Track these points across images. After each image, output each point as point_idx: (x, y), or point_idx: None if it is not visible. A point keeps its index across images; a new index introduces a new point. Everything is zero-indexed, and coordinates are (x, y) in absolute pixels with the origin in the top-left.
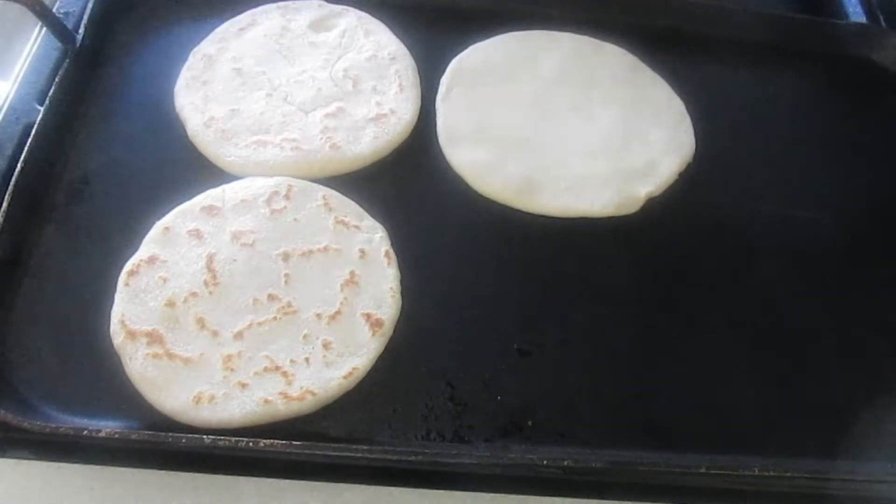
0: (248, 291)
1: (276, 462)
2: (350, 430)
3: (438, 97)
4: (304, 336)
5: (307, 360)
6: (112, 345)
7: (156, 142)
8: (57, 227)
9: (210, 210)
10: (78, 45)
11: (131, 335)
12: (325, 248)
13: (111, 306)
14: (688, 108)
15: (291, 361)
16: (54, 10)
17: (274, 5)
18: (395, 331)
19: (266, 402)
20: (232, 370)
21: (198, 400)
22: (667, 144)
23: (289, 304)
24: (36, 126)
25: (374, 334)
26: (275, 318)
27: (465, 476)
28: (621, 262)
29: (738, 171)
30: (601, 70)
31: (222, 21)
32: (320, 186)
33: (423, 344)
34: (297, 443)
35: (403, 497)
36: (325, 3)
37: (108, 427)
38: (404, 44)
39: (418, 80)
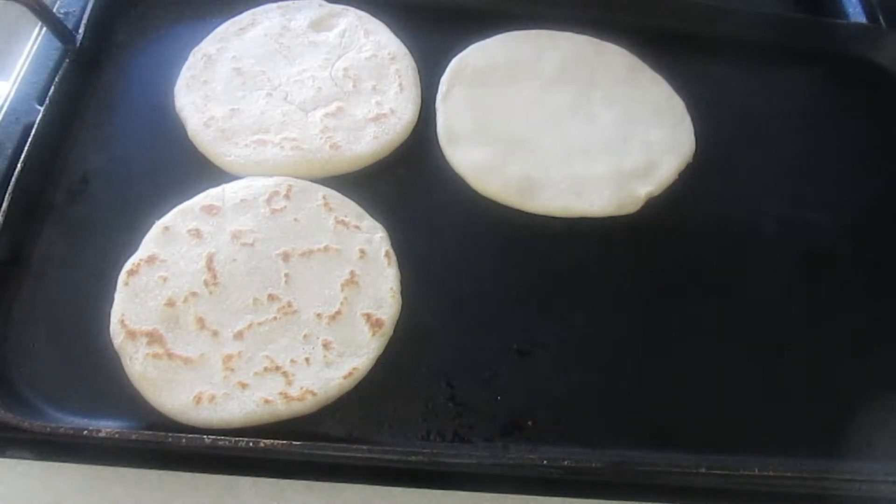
0: (248, 291)
1: (276, 462)
2: (350, 430)
3: (438, 97)
4: (305, 336)
5: (307, 360)
6: (112, 345)
7: (156, 141)
8: (57, 227)
9: (210, 209)
10: (78, 45)
11: (131, 335)
12: (326, 248)
13: (111, 306)
14: (688, 108)
15: (291, 361)
16: (54, 10)
17: (274, 5)
18: (395, 331)
19: (266, 402)
20: (232, 370)
21: (198, 400)
22: (667, 144)
23: (289, 304)
24: (36, 126)
25: (374, 334)
26: (275, 318)
27: (465, 476)
28: (621, 262)
29: (738, 171)
30: (601, 70)
31: (222, 21)
32: (320, 186)
33: (423, 344)
34: (297, 443)
35: (403, 497)
36: (326, 3)
37: (108, 427)
38: (404, 43)
39: (418, 80)
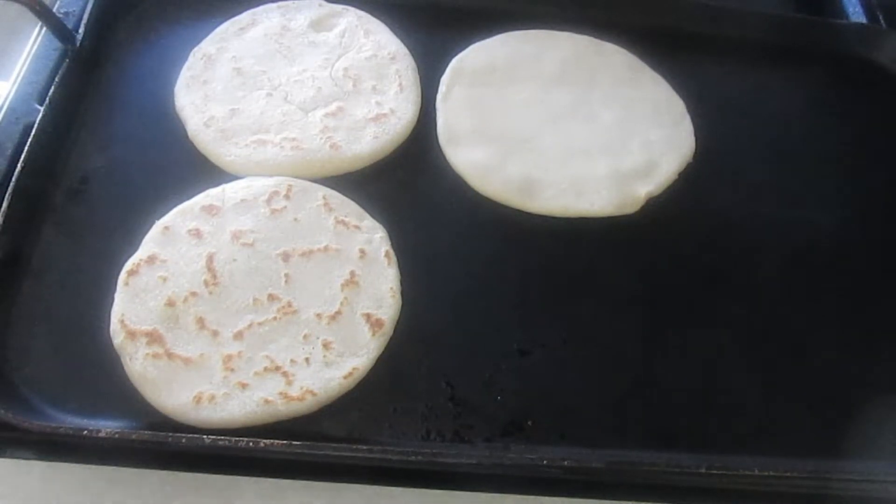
0: (248, 291)
1: (276, 462)
2: (350, 430)
3: (439, 97)
4: (305, 336)
5: (307, 360)
6: (112, 345)
7: (156, 141)
8: (57, 227)
9: (210, 209)
10: (78, 45)
11: (131, 335)
12: (326, 248)
13: (111, 306)
14: (688, 108)
15: (291, 361)
16: (54, 10)
17: (274, 5)
18: (395, 331)
19: (266, 402)
20: (232, 370)
21: (198, 400)
22: (667, 144)
23: (289, 304)
24: (36, 126)
25: (374, 334)
26: (275, 318)
27: (465, 476)
28: (621, 262)
29: (738, 171)
30: (601, 70)
31: (222, 20)
32: (320, 186)
33: (423, 344)
34: (297, 443)
35: (403, 497)
36: (326, 3)
37: (108, 427)
38: (404, 43)
39: (418, 80)
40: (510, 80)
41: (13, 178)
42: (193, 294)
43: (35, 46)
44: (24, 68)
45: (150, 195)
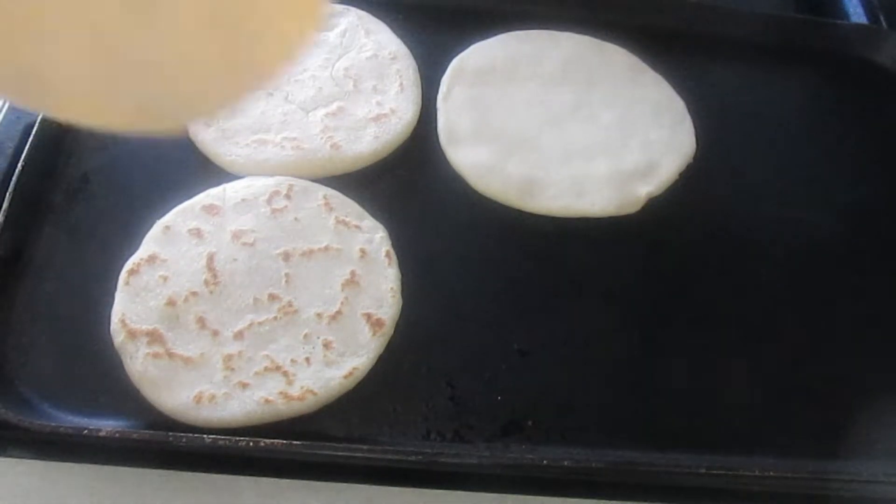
0: (249, 291)
1: (276, 462)
2: (350, 430)
3: (439, 97)
4: (305, 336)
5: (308, 359)
6: (112, 344)
7: (156, 141)
8: (57, 227)
9: (210, 209)
10: None
11: (132, 334)
12: (326, 248)
13: (111, 306)
14: (688, 108)
15: (292, 361)
16: None
17: None
18: (395, 331)
19: (267, 401)
20: (232, 370)
21: (198, 399)
22: (667, 144)
23: (289, 304)
24: (36, 126)
25: (374, 334)
26: (275, 318)
27: (465, 476)
28: (621, 262)
29: (738, 171)
30: (602, 70)
31: None
32: (321, 186)
33: (423, 344)
34: (297, 443)
35: (403, 497)
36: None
37: (108, 427)
38: (405, 43)
39: (419, 80)
40: (511, 79)
41: (13, 178)
42: (194, 293)
43: None
44: None
45: (151, 195)
